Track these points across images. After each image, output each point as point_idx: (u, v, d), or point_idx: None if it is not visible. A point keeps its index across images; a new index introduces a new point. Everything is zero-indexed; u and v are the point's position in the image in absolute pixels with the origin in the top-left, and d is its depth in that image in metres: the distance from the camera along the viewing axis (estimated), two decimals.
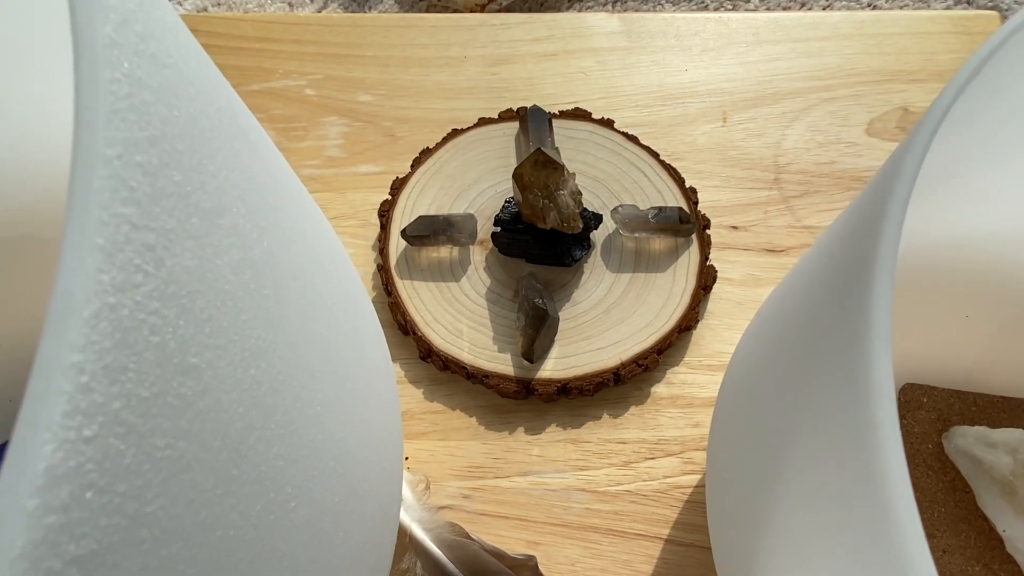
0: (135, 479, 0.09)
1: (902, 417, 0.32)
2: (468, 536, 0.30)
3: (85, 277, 0.08)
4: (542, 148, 0.34)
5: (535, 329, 0.34)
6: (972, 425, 0.32)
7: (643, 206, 0.38)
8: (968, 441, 0.31)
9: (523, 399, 0.35)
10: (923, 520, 0.29)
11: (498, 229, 0.36)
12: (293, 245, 0.16)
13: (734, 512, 0.22)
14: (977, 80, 0.15)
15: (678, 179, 0.39)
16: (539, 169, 0.33)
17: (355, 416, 0.18)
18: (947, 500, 0.31)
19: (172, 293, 0.10)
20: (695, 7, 0.50)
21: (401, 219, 0.38)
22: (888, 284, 0.13)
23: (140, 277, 0.09)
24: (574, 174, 0.35)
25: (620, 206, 0.37)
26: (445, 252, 0.38)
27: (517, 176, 0.34)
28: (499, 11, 0.49)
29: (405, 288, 0.37)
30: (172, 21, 0.13)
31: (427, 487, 0.32)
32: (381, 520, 0.21)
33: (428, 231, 0.36)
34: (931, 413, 0.33)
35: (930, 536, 0.30)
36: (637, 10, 0.49)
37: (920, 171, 0.14)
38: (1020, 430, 0.30)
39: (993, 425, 0.32)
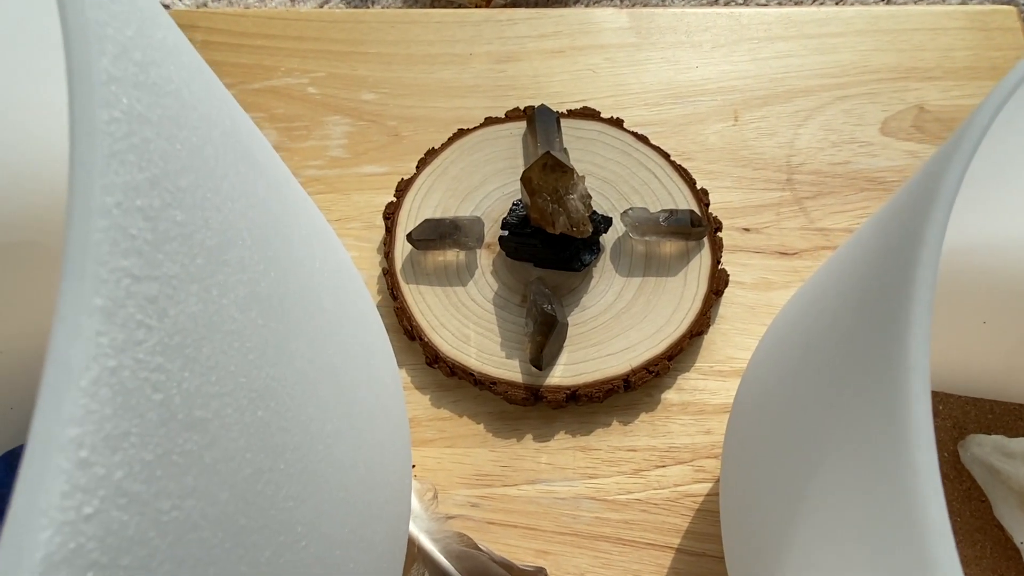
0: (139, 550, 0.08)
1: None
2: (476, 546, 0.30)
3: (83, 342, 0.07)
4: (551, 151, 0.33)
5: (544, 335, 0.33)
6: (989, 434, 0.31)
7: (653, 208, 0.37)
8: (985, 450, 0.30)
9: (531, 406, 0.34)
10: None
11: (506, 233, 0.35)
12: (301, 268, 0.15)
13: (751, 528, 0.22)
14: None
15: (689, 180, 0.38)
16: (548, 173, 0.33)
17: (364, 441, 0.18)
18: (963, 510, 0.31)
19: (176, 344, 0.09)
20: (705, 2, 0.49)
21: (406, 222, 0.37)
22: (927, 316, 0.12)
23: (142, 333, 0.08)
24: (583, 177, 0.34)
25: (630, 209, 0.36)
26: (452, 256, 0.37)
27: (526, 180, 0.33)
28: (505, 6, 0.48)
29: (411, 292, 0.36)
30: (173, 40, 0.13)
31: (435, 496, 0.32)
32: (391, 541, 0.20)
33: (434, 235, 0.36)
34: (947, 421, 0.32)
35: None
36: (646, 5, 0.48)
37: None
38: None
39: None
